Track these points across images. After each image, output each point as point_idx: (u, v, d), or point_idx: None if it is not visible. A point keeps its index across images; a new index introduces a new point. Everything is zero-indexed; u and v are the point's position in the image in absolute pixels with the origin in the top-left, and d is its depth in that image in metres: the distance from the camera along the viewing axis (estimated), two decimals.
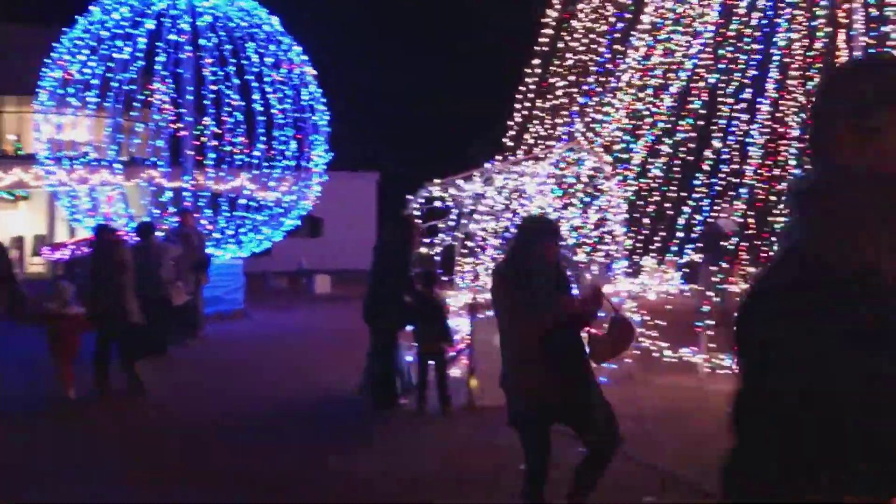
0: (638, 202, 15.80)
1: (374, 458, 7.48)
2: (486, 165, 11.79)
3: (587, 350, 5.41)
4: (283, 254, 28.85)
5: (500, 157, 13.06)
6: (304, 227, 28.91)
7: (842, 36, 13.19)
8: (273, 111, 19.27)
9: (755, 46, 13.62)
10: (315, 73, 20.33)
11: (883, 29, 12.68)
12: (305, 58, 20.14)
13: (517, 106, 15.19)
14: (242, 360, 13.05)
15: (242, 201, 18.75)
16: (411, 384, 9.70)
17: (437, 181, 10.90)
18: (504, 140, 15.06)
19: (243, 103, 18.92)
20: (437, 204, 11.13)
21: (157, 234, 14.37)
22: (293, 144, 19.57)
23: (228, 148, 18.78)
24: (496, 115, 16.26)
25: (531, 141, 15.06)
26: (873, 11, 12.69)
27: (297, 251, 30.29)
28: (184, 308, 13.69)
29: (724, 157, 15.57)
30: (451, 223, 11.22)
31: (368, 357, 9.68)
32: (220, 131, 18.61)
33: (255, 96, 19.07)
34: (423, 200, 10.78)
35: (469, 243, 11.14)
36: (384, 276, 9.42)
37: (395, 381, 9.55)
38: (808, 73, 13.48)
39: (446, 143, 29.50)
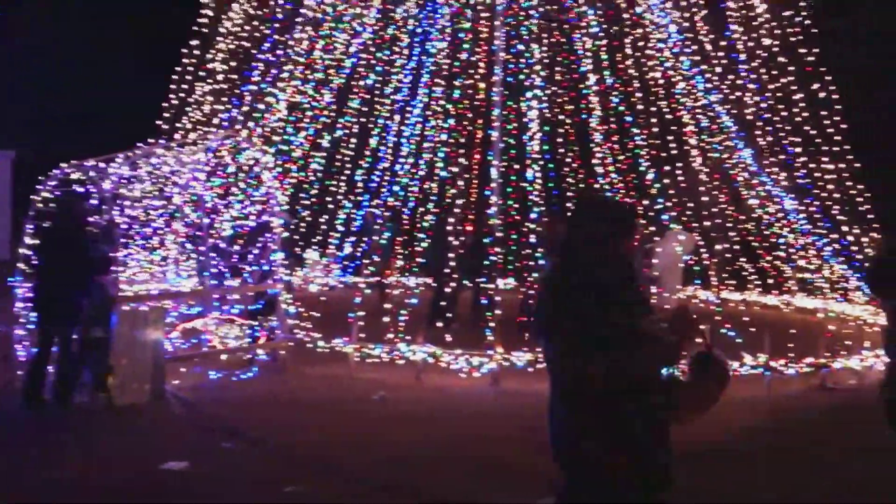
0: (300, 194, 15.91)
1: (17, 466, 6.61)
2: (134, 148, 11.03)
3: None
4: None
5: (151, 140, 12.32)
6: None
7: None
8: None
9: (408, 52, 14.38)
10: None
11: (519, 47, 14.06)
12: None
13: (173, 87, 14.49)
14: None
15: None
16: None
17: (74, 162, 9.95)
18: (158, 122, 14.29)
19: None
20: (77, 188, 10.15)
21: None
22: None
23: None
24: (152, 96, 15.34)
25: (188, 126, 14.46)
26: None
27: None
28: None
29: (380, 154, 16.25)
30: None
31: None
32: None
33: None
34: (57, 183, 9.76)
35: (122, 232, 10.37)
36: (61, 267, 8.51)
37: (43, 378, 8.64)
38: (454, 83, 14.50)
39: (97, 121, 27.18)
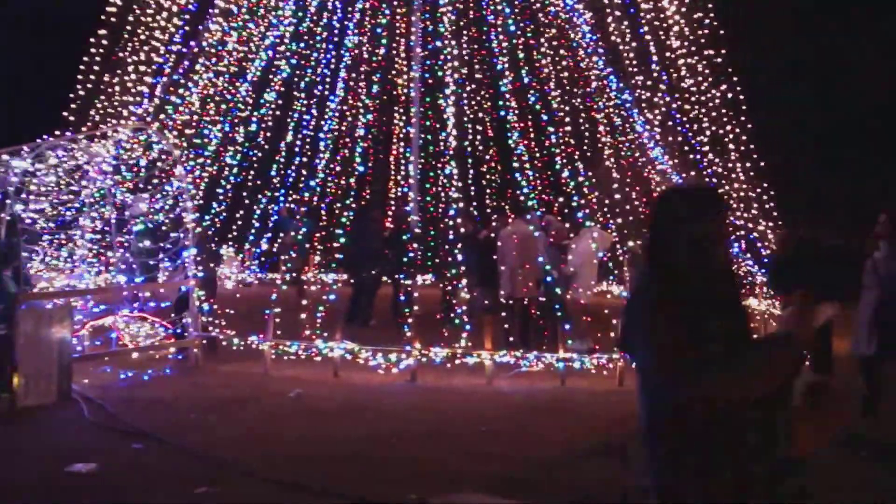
0: (215, 189, 15.61)
1: None
2: (39, 140, 10.64)
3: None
4: None
5: (57, 132, 11.90)
6: None
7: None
8: None
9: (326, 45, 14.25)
10: None
11: (437, 43, 14.09)
12: None
13: (80, 78, 14.02)
14: None
15: None
16: None
17: None
18: (65, 114, 13.81)
19: None
20: None
21: None
22: None
23: None
24: (58, 85, 14.79)
25: (97, 118, 14.02)
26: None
27: None
28: None
29: (297, 149, 16.07)
30: None
31: None
32: None
33: None
34: None
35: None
36: None
37: None
38: (373, 77, 14.45)
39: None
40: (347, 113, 14.42)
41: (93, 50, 13.76)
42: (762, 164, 14.60)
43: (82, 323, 10.27)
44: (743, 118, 14.55)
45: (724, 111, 14.55)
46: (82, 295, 10.71)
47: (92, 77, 13.92)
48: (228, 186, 15.27)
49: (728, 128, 14.59)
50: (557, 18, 15.04)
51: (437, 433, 7.81)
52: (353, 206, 14.29)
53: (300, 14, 14.56)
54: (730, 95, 14.44)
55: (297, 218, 15.62)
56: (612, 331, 10.26)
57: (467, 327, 10.75)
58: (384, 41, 14.28)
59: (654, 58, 14.96)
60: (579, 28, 14.82)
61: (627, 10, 14.90)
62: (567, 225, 12.68)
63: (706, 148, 14.87)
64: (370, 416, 8.42)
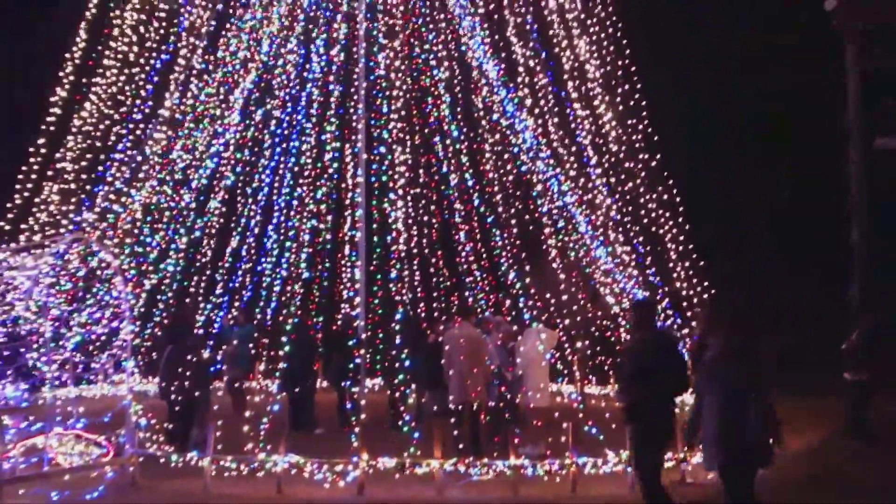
0: (157, 296, 15.31)
1: None
2: None
3: None
4: None
5: None
6: None
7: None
8: None
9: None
10: None
11: (381, 150, 14.30)
12: None
13: (18, 187, 13.79)
14: None
15: None
16: None
17: None
18: (1, 224, 13.51)
19: None
20: None
21: None
22: None
23: None
24: None
25: (35, 227, 13.74)
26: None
27: None
28: None
29: (243, 254, 15.94)
30: None
31: None
32: None
33: None
34: None
35: None
36: None
37: None
38: (318, 183, 14.52)
39: None
40: (293, 217, 14.43)
41: (31, 159, 13.58)
42: (701, 263, 14.91)
43: (13, 442, 9.77)
44: (680, 219, 14.89)
45: (661, 212, 14.89)
46: (13, 413, 10.22)
47: (30, 185, 13.69)
48: (170, 294, 15.01)
49: (666, 228, 14.91)
50: (499, 124, 15.43)
51: None
52: (298, 311, 14.12)
53: (246, 121, 14.70)
54: (665, 197, 14.83)
55: (231, 324, 15.34)
56: (564, 434, 10.07)
57: (416, 434, 10.50)
58: (328, 147, 14.44)
59: (593, 161, 15.36)
60: (521, 133, 15.21)
61: (567, 115, 15.35)
62: (515, 327, 12.65)
63: (648, 248, 15.16)
64: None
